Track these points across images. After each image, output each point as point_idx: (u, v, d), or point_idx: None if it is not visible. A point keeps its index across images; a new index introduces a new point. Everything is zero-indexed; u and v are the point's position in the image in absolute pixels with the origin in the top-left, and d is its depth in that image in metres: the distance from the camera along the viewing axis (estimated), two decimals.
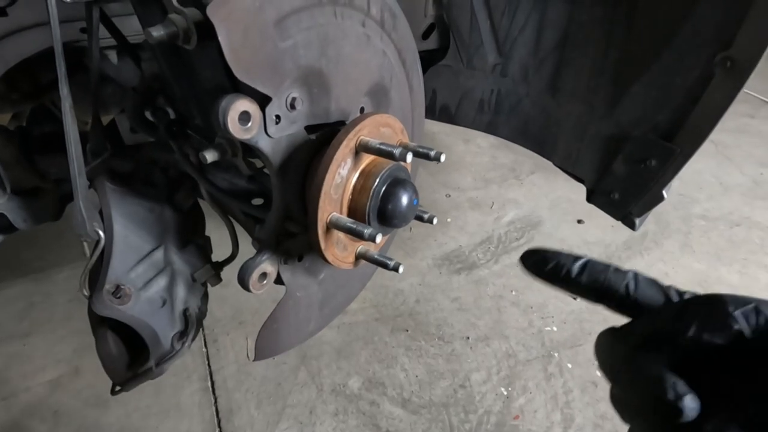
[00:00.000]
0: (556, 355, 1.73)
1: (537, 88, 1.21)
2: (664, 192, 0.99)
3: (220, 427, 1.49)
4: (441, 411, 1.55)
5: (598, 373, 1.66)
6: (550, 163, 1.29)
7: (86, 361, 1.62)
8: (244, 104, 0.55)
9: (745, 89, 0.83)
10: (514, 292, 1.97)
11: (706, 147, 0.93)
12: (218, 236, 0.97)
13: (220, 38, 0.50)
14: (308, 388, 1.59)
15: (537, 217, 2.42)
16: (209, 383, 1.60)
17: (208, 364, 1.66)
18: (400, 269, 0.70)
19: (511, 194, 2.59)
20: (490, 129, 1.35)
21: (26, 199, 0.90)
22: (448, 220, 2.39)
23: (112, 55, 0.88)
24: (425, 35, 1.27)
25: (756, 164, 2.85)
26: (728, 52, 0.80)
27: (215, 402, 1.55)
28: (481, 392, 1.61)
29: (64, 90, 0.62)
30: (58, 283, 1.93)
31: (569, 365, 1.70)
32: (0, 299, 1.85)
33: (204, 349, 1.71)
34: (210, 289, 0.98)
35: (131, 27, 0.81)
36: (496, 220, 2.40)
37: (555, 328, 1.84)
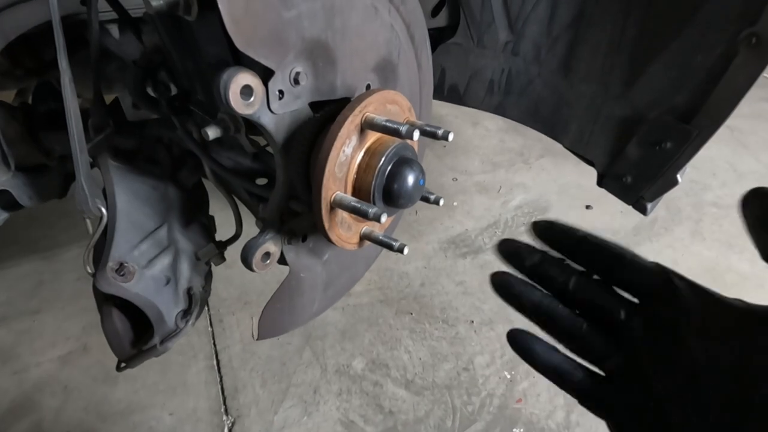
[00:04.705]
0: None
1: (549, 67, 1.17)
2: (678, 176, 0.96)
3: (225, 404, 1.51)
4: (444, 393, 1.56)
5: None
6: (559, 148, 1.26)
7: (94, 339, 1.65)
8: (246, 78, 0.53)
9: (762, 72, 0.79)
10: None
11: (720, 132, 0.90)
12: (223, 216, 0.96)
13: (220, 7, 0.48)
14: (312, 368, 1.61)
15: (545, 201, 2.39)
16: (215, 362, 1.62)
17: (214, 344, 1.68)
18: (405, 250, 0.69)
19: (519, 179, 2.56)
20: (500, 110, 1.31)
21: (31, 177, 0.90)
22: (455, 203, 2.36)
23: (115, 30, 0.86)
24: (435, 12, 1.23)
25: None
26: (754, 28, 0.76)
27: (221, 380, 1.57)
28: (484, 375, 1.61)
29: (63, 63, 0.60)
30: (67, 261, 1.95)
31: None
32: (10, 277, 1.88)
33: (210, 329, 1.73)
34: (215, 269, 0.97)
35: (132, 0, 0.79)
36: (503, 204, 2.37)
37: None
